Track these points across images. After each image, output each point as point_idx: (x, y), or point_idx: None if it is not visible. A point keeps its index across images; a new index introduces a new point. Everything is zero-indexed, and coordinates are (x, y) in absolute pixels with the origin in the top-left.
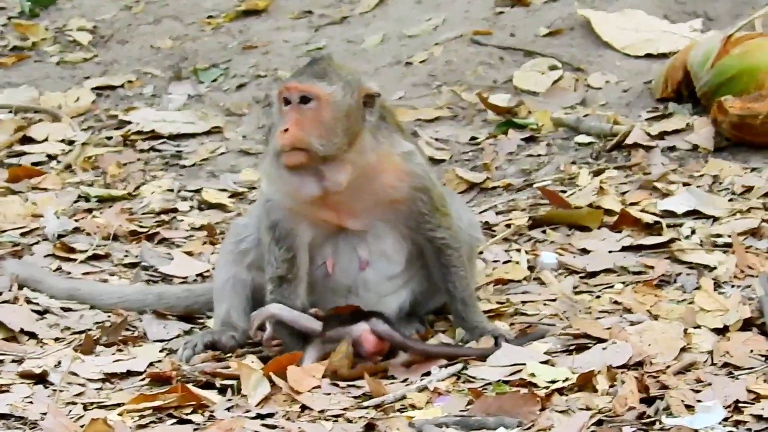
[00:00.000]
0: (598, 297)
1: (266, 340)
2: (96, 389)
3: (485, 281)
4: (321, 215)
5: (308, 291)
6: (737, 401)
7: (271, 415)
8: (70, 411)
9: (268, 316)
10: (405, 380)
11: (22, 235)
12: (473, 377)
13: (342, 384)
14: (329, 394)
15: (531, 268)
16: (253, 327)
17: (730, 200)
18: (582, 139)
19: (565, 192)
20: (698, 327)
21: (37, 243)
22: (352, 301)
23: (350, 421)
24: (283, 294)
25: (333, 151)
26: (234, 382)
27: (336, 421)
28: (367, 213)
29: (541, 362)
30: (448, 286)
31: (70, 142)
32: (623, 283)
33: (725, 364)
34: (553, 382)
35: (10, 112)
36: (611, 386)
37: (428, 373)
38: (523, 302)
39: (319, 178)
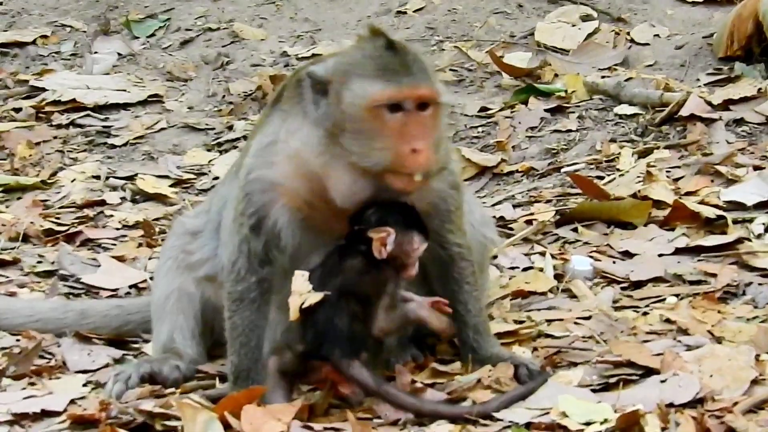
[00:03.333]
0: (645, 314)
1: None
2: None
3: (500, 294)
4: (331, 222)
5: (284, 311)
6: None
7: None
8: None
9: None
10: (396, 422)
11: None
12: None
13: (317, 426)
14: None
15: (559, 277)
16: None
17: None
18: (624, 110)
19: (602, 178)
20: None
21: None
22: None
23: None
24: (249, 316)
25: (442, 165)
26: (178, 424)
27: None
28: None
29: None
30: (458, 308)
31: None
32: (677, 295)
33: None
34: (588, 424)
35: None
36: (663, 429)
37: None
38: (549, 321)
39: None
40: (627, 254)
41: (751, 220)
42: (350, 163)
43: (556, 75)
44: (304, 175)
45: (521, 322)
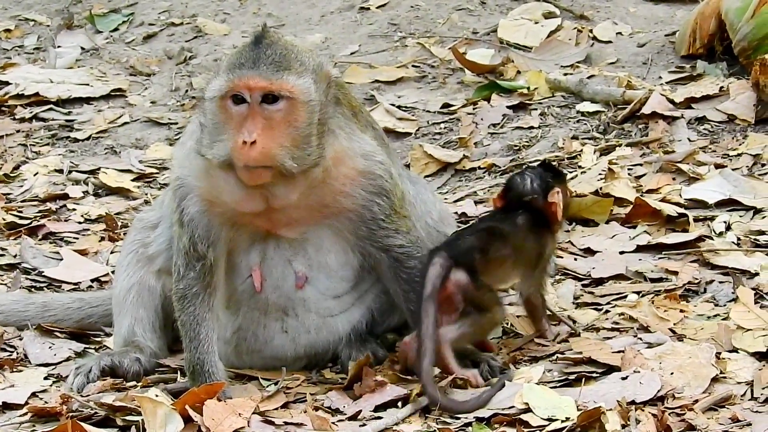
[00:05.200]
0: (606, 311)
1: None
2: None
3: None
4: (250, 219)
5: (232, 311)
6: None
7: None
8: None
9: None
10: (355, 415)
11: None
12: (446, 414)
13: (278, 421)
14: None
15: None
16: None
17: None
18: (586, 107)
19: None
20: (734, 350)
21: None
22: (290, 324)
23: None
24: (193, 311)
25: (307, 165)
26: (139, 418)
27: None
28: (307, 221)
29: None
30: (411, 306)
31: None
32: (638, 293)
33: None
34: (551, 420)
35: None
36: (624, 427)
37: (384, 406)
38: (510, 317)
39: (268, 193)
40: (588, 251)
41: (712, 218)
42: (221, 165)
43: (518, 72)
44: (205, 172)
45: None
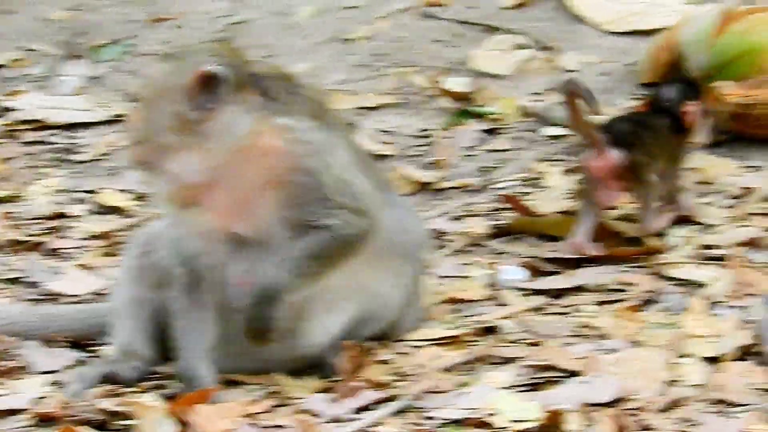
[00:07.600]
0: (568, 320)
1: None
2: None
3: (435, 300)
4: (203, 219)
5: (224, 318)
6: None
7: None
8: None
9: None
10: (335, 418)
11: None
12: (421, 414)
13: (265, 424)
14: None
15: (490, 286)
16: None
17: (727, 205)
18: (553, 131)
19: (530, 195)
20: (687, 356)
21: None
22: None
23: None
24: (179, 325)
25: (142, 137)
26: (135, 422)
27: None
28: (253, 211)
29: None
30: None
31: None
32: (598, 302)
33: (718, 401)
34: (516, 421)
35: None
36: (586, 426)
37: (363, 409)
38: (480, 325)
39: (167, 171)
40: (554, 264)
41: (666, 234)
42: None
43: (491, 99)
44: None
45: (455, 326)
